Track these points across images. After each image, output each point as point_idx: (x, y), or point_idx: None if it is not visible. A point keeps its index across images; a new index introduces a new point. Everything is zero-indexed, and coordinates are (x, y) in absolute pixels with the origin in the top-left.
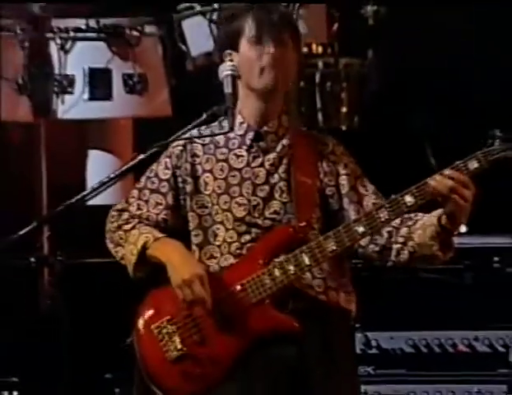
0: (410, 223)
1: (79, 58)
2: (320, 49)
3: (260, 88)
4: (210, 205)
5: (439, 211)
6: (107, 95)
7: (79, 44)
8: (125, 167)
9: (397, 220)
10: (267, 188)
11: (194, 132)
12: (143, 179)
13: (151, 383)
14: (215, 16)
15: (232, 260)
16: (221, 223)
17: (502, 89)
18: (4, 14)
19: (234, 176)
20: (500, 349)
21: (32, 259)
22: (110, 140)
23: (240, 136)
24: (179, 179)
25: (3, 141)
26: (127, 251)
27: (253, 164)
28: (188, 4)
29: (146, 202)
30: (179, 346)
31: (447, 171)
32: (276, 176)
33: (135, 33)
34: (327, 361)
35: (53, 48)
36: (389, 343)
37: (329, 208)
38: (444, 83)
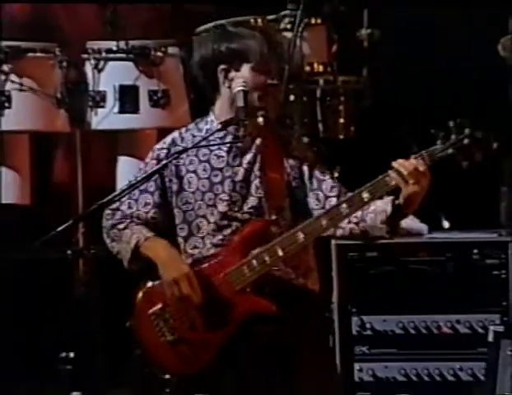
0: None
1: (110, 76)
2: (321, 68)
3: (247, 108)
4: (193, 201)
5: (390, 198)
6: (135, 109)
7: (110, 63)
8: (150, 171)
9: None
10: (245, 185)
11: (176, 135)
12: (133, 179)
13: (151, 364)
14: None
15: (213, 250)
16: (204, 217)
17: (492, 101)
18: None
19: (216, 175)
20: (480, 330)
21: (69, 252)
22: (137, 148)
23: (220, 138)
24: (166, 179)
25: (45, 149)
26: (121, 248)
27: (232, 164)
28: (203, 28)
29: (136, 201)
30: (173, 331)
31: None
32: (252, 174)
33: (159, 54)
34: (300, 334)
35: (88, 68)
36: (382, 325)
37: (297, 198)
38: (431, 97)
